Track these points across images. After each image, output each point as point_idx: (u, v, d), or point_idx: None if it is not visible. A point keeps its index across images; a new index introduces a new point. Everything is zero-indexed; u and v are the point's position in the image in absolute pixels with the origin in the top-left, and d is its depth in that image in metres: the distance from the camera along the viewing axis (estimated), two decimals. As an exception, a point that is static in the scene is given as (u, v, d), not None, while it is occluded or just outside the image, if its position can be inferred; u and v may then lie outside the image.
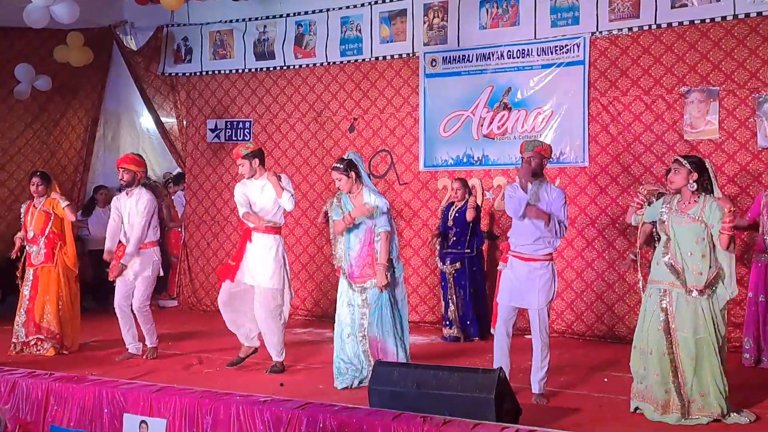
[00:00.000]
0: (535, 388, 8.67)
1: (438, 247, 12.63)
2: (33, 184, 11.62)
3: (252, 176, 10.26)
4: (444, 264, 12.45)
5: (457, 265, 12.30)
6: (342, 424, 6.79)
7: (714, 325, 7.80)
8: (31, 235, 11.56)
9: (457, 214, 12.35)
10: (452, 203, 12.54)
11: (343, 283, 9.51)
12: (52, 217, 11.56)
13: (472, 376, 7.37)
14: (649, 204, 8.53)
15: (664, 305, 7.90)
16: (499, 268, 9.02)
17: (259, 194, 10.24)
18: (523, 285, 8.71)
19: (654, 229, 9.14)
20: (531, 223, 8.67)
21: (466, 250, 12.30)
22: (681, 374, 7.80)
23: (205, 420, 7.37)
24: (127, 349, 11.12)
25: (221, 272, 10.53)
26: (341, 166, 9.42)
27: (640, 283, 8.48)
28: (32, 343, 11.38)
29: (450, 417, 6.69)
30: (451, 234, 12.39)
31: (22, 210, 11.77)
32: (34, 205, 11.66)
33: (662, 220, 8.03)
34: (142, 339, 11.16)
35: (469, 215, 12.10)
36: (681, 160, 8.00)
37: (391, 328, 9.32)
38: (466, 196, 12.38)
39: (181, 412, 7.47)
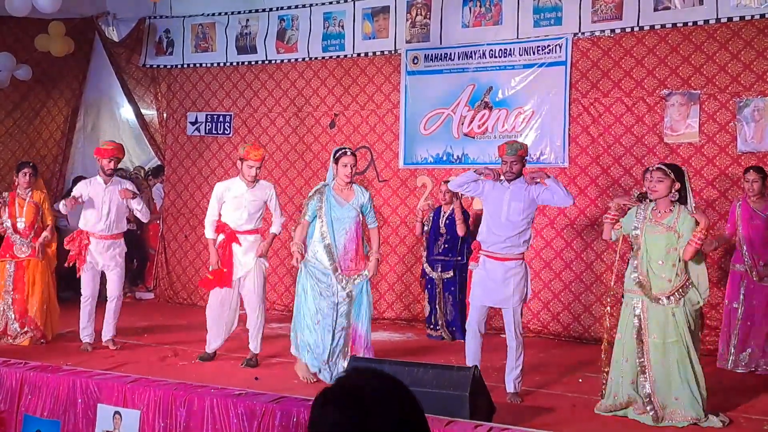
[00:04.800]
0: (510, 387, 8.69)
1: (425, 253, 12.58)
2: (25, 174, 11.62)
3: (253, 181, 10.36)
4: (434, 270, 12.39)
5: (450, 273, 12.27)
6: (316, 418, 6.78)
7: (688, 329, 7.83)
8: (21, 226, 11.54)
9: (447, 221, 12.29)
10: (439, 208, 12.49)
11: (314, 273, 9.43)
12: (41, 211, 11.57)
13: (447, 374, 7.38)
14: (624, 213, 8.51)
15: (637, 313, 7.96)
16: (470, 267, 9.00)
17: (249, 200, 10.42)
18: (498, 285, 8.75)
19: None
20: (507, 221, 8.71)
21: (458, 258, 12.26)
22: (652, 380, 7.84)
23: (179, 412, 7.35)
24: (83, 341, 11.12)
25: (217, 282, 10.45)
26: (356, 154, 9.68)
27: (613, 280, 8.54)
28: (20, 332, 11.35)
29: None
30: (441, 241, 12.32)
31: (6, 199, 11.67)
32: (21, 197, 11.62)
33: (635, 230, 8.06)
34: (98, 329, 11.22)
35: (460, 230, 12.04)
36: (665, 169, 8.01)
37: (365, 313, 9.48)
38: (454, 199, 12.32)
39: (155, 403, 7.45)
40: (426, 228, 12.53)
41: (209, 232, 10.55)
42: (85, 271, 11.06)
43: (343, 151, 9.50)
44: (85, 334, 11.14)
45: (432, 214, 12.57)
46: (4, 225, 11.57)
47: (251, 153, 10.32)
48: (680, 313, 7.84)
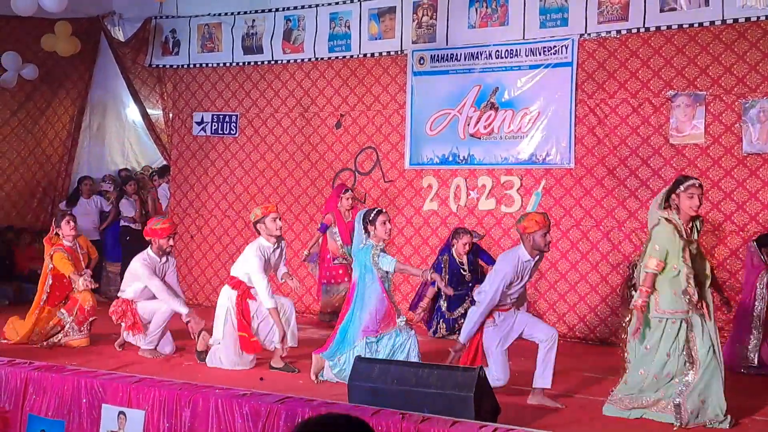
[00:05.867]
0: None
1: (445, 306, 12.23)
2: (68, 222, 11.32)
3: (280, 235, 10.31)
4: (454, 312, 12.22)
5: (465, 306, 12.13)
6: (321, 419, 6.78)
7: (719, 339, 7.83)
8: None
9: (471, 267, 12.22)
10: (452, 259, 12.24)
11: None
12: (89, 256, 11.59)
13: (452, 375, 7.36)
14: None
15: (688, 334, 7.79)
16: (486, 326, 8.68)
17: (273, 259, 10.28)
18: (512, 321, 8.65)
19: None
20: (523, 286, 8.65)
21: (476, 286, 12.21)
22: (694, 393, 7.71)
23: (183, 412, 7.36)
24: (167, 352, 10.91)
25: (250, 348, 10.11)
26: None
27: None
28: (78, 330, 11.24)
29: (429, 414, 6.69)
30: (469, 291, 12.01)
31: (63, 255, 11.18)
32: (75, 249, 11.33)
33: (683, 254, 7.73)
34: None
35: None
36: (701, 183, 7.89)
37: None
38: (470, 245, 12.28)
39: (160, 403, 7.46)
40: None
41: (272, 301, 9.90)
42: (144, 304, 10.78)
43: (377, 210, 9.41)
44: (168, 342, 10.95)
45: (446, 268, 12.21)
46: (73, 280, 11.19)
47: (269, 207, 10.28)
48: (714, 326, 7.80)
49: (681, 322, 7.74)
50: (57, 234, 11.35)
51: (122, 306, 10.78)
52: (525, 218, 8.62)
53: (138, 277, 10.74)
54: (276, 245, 10.22)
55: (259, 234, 10.19)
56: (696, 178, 7.93)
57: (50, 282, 11.27)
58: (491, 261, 12.12)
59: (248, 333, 9.94)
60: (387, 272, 9.21)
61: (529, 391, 8.58)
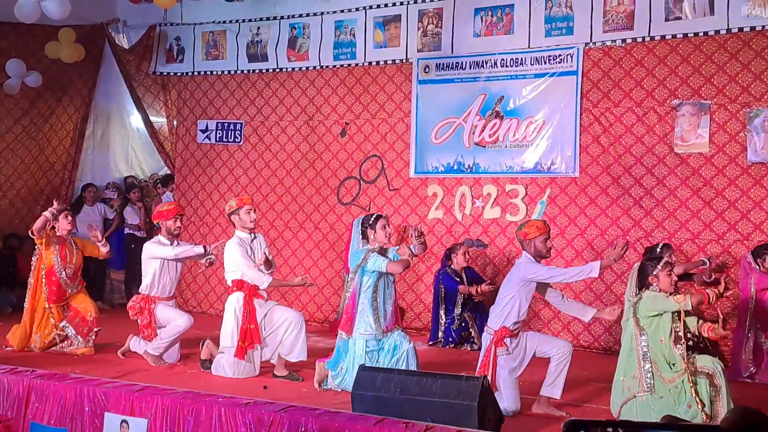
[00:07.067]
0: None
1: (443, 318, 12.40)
2: (66, 217, 11.30)
3: (254, 228, 10.33)
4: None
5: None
6: (324, 427, 6.77)
7: None
8: (71, 272, 11.33)
9: (468, 282, 12.33)
10: (454, 273, 12.39)
11: (361, 344, 9.21)
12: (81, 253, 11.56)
13: (456, 383, 7.33)
14: None
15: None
16: (499, 353, 8.59)
17: (256, 251, 10.24)
18: (526, 346, 8.57)
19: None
20: (525, 300, 8.56)
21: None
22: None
23: (186, 420, 7.34)
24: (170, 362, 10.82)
25: (250, 344, 9.97)
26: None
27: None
28: (82, 341, 11.21)
29: (432, 423, 6.66)
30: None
31: (54, 243, 11.28)
32: (69, 244, 11.38)
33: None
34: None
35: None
36: None
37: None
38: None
39: (163, 412, 7.44)
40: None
41: (266, 279, 10.04)
42: (163, 308, 10.77)
43: (377, 215, 9.42)
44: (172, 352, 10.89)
45: (449, 282, 12.34)
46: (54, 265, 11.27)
47: (244, 199, 10.35)
48: None
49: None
50: (53, 228, 11.34)
51: (141, 303, 10.77)
52: (525, 225, 8.74)
53: (152, 255, 10.78)
54: (252, 237, 10.24)
55: (234, 226, 10.26)
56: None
57: (35, 265, 11.37)
58: (482, 280, 12.20)
59: (255, 324, 9.89)
60: (375, 275, 9.17)
61: (533, 400, 8.55)
